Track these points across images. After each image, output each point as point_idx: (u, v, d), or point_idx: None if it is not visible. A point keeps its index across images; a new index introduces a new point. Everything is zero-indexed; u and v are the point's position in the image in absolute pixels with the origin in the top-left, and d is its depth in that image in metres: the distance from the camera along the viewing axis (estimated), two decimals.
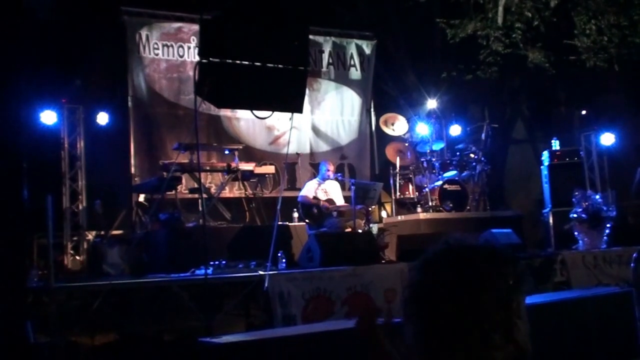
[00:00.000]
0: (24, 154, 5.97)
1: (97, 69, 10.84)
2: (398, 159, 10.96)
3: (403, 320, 1.51)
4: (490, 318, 1.41)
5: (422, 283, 1.47)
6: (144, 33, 11.04)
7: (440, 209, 10.22)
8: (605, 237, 9.26)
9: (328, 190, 10.08)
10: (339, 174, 10.73)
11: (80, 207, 9.82)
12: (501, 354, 1.42)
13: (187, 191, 10.13)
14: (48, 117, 9.59)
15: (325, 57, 12.77)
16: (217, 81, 6.41)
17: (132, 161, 10.70)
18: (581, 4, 11.71)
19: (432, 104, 12.72)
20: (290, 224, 9.53)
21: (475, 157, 10.83)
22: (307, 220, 9.73)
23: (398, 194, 10.93)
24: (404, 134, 11.25)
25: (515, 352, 1.44)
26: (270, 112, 7.38)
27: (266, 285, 6.60)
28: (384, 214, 12.17)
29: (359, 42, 13.13)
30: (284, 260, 7.65)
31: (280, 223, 8.19)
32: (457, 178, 10.63)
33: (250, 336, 5.22)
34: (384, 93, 13.97)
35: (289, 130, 9.18)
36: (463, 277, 1.42)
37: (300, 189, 10.55)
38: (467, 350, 1.40)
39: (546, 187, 10.96)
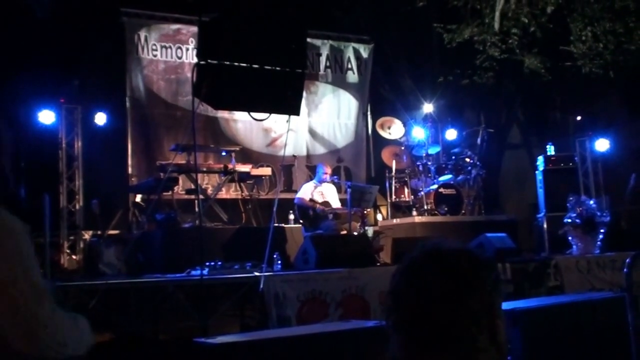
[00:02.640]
0: (22, 153, 6.00)
1: (96, 69, 10.86)
2: (394, 162, 11.00)
3: (387, 326, 1.51)
4: (477, 320, 1.43)
5: (406, 288, 1.47)
6: (142, 34, 11.08)
7: (436, 212, 10.27)
8: (598, 242, 9.30)
9: (324, 192, 10.12)
10: (335, 177, 10.77)
11: (77, 206, 9.84)
12: (485, 356, 1.44)
13: (183, 192, 10.15)
14: (46, 116, 9.62)
15: (323, 60, 12.82)
16: (215, 83, 6.45)
17: (130, 161, 10.74)
18: (577, 10, 11.78)
19: (428, 108, 12.77)
20: (286, 225, 9.55)
21: (471, 161, 10.87)
22: (302, 222, 9.76)
23: (394, 197, 10.98)
24: (400, 138, 11.30)
25: (497, 355, 1.46)
26: (267, 114, 7.41)
27: (261, 286, 6.62)
28: (379, 216, 12.21)
29: (357, 45, 13.18)
30: (279, 262, 7.67)
31: (276, 225, 8.20)
32: (452, 182, 10.68)
33: (245, 337, 5.24)
34: (380, 97, 14.01)
35: (285, 133, 9.21)
36: (448, 280, 1.43)
37: (296, 191, 10.59)
38: (454, 353, 1.43)
39: (541, 192, 11.00)
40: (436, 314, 1.41)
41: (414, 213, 10.48)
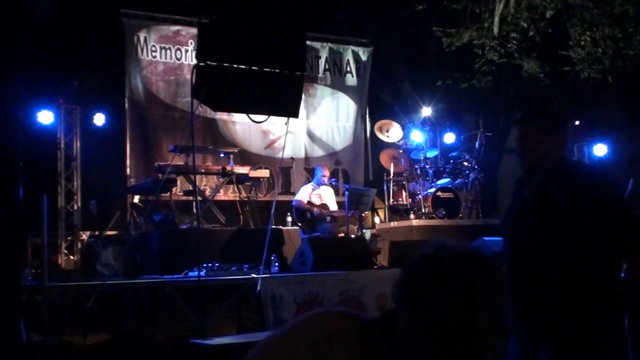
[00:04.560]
0: (21, 153, 6.00)
1: (95, 70, 10.87)
2: (392, 165, 11.00)
3: (405, 327, 1.51)
4: (497, 324, 1.44)
5: (418, 285, 1.49)
6: (142, 35, 11.08)
7: (433, 216, 10.27)
8: None
9: (322, 195, 10.13)
10: (333, 179, 10.77)
11: (75, 207, 9.84)
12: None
13: (181, 193, 10.16)
14: (45, 117, 9.63)
15: (322, 62, 12.83)
16: (214, 84, 6.46)
17: (128, 162, 10.73)
18: (576, 15, 11.80)
19: (427, 111, 12.79)
20: (283, 228, 9.56)
21: (469, 165, 10.88)
22: (300, 225, 9.77)
23: (391, 200, 10.98)
24: (399, 141, 11.29)
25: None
26: (266, 116, 7.42)
27: (258, 288, 6.64)
28: (377, 219, 12.21)
29: (356, 48, 13.20)
30: (276, 264, 7.68)
31: (273, 227, 8.22)
32: (450, 185, 10.68)
33: (241, 338, 5.25)
34: (379, 100, 14.02)
35: (284, 135, 9.22)
36: (484, 284, 1.45)
37: (294, 193, 10.59)
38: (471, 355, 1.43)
39: None
40: (469, 318, 1.43)
41: (412, 216, 10.48)
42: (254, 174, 10.01)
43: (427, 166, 10.79)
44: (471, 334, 1.42)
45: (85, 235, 9.60)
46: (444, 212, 10.28)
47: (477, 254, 1.51)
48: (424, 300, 1.46)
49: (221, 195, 10.70)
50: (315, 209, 9.87)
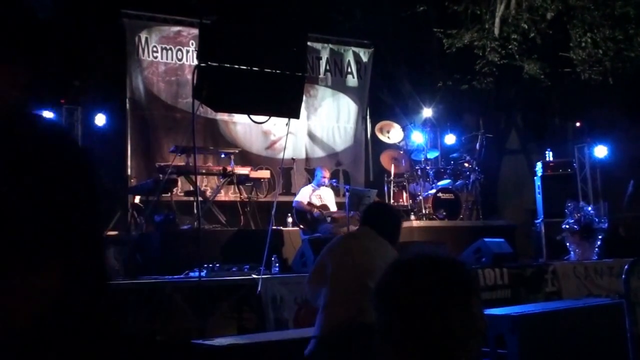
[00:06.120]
0: None
1: (96, 70, 10.87)
2: (393, 166, 11.00)
3: (383, 333, 1.54)
4: (473, 326, 1.46)
5: (411, 296, 1.50)
6: (143, 36, 11.08)
7: (434, 217, 10.27)
8: (596, 249, 9.32)
9: (322, 196, 10.12)
10: (334, 180, 10.77)
11: None
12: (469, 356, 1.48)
13: (182, 194, 10.15)
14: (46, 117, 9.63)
15: (323, 63, 12.83)
16: (215, 85, 6.46)
17: (129, 163, 10.74)
18: (577, 17, 11.82)
19: (427, 112, 12.79)
20: (284, 228, 9.56)
21: (469, 166, 10.89)
22: (301, 226, 9.76)
23: (392, 201, 10.97)
24: (399, 142, 11.29)
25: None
26: (267, 117, 7.42)
27: (259, 289, 6.63)
28: None
29: (357, 49, 13.20)
30: (277, 265, 7.68)
31: (274, 227, 8.22)
32: (450, 187, 10.68)
33: (242, 339, 5.25)
34: (380, 101, 14.03)
35: (285, 136, 9.22)
36: (455, 288, 1.49)
37: (295, 194, 10.59)
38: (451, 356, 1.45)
39: (539, 197, 11.02)
40: (444, 320, 1.46)
41: (412, 217, 10.47)
42: (255, 174, 10.01)
43: (428, 167, 10.79)
44: (445, 338, 1.45)
45: None
46: (444, 213, 10.28)
47: (452, 260, 1.56)
48: (398, 305, 1.49)
49: (222, 196, 10.69)
50: (315, 210, 9.86)
